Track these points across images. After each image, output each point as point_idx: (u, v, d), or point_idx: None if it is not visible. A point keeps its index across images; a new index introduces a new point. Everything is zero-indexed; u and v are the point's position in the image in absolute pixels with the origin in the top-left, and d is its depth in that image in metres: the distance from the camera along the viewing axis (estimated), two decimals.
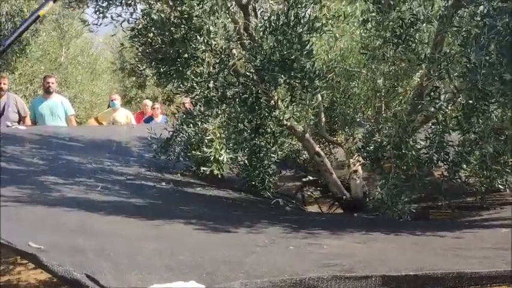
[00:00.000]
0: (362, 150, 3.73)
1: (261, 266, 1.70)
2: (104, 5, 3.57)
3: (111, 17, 3.64)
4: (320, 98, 4.19)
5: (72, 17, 9.15)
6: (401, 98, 3.99)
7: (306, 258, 1.94)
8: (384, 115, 4.02)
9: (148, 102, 8.66)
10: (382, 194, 3.40)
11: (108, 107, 8.18)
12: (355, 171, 4.30)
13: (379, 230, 2.72)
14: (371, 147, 3.61)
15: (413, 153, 3.37)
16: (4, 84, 6.05)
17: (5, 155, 4.18)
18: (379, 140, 3.51)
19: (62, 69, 10.29)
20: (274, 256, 1.93)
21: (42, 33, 9.43)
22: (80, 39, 10.78)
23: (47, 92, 6.49)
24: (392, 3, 3.15)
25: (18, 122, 6.15)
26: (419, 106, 3.47)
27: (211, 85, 3.69)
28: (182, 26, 3.52)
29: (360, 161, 4.23)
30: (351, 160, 4.35)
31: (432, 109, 3.32)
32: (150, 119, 7.99)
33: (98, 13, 3.66)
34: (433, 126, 3.33)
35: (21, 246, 1.65)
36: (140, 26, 3.65)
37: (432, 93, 3.23)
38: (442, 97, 3.21)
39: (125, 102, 9.40)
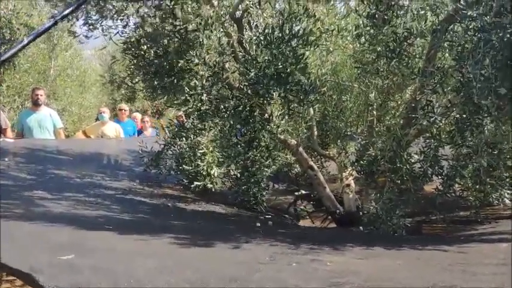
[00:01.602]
0: (356, 164, 3.71)
1: (269, 284, 1.65)
2: (95, 17, 3.53)
3: (102, 30, 3.61)
4: (312, 112, 4.19)
5: (62, 29, 9.08)
6: (394, 111, 4.00)
7: (313, 276, 1.90)
8: (376, 129, 4.02)
9: (138, 115, 8.58)
10: (376, 208, 3.37)
11: (96, 120, 8.09)
12: (348, 185, 4.28)
13: (378, 244, 2.69)
14: (365, 161, 3.59)
15: (408, 167, 3.36)
16: None
17: None
18: (373, 153, 3.50)
19: (50, 82, 10.19)
20: (280, 274, 1.89)
21: (31, 45, 9.34)
22: (69, 51, 10.69)
23: (36, 104, 6.39)
24: (386, 17, 3.16)
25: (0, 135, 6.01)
26: (413, 120, 3.47)
27: (204, 98, 3.66)
28: (176, 39, 3.49)
29: (352, 175, 4.22)
30: (344, 174, 4.33)
31: (426, 123, 3.32)
32: (139, 132, 7.91)
33: (88, 25, 3.62)
34: (427, 140, 3.33)
35: (16, 265, 1.58)
36: (133, 39, 3.61)
37: (426, 107, 3.23)
38: (436, 111, 3.22)
39: (113, 115, 9.30)
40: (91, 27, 3.65)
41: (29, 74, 9.54)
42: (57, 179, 4.32)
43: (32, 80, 9.50)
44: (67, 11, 2.33)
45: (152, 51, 3.74)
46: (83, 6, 3.34)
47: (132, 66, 3.93)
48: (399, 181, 3.44)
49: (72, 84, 10.84)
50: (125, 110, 7.69)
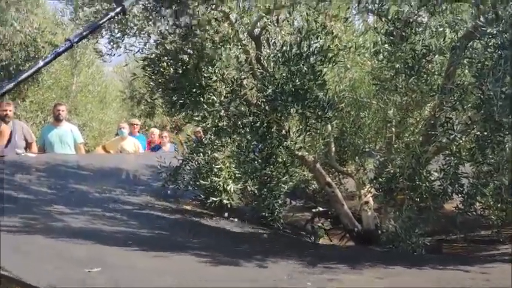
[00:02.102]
0: (374, 181, 3.67)
1: None
2: (118, 35, 3.61)
3: (125, 47, 3.68)
4: (330, 128, 4.18)
5: (85, 46, 9.29)
6: (413, 128, 3.96)
7: None
8: (395, 146, 3.98)
9: (155, 131, 8.67)
10: (395, 227, 3.33)
11: (116, 135, 8.20)
12: (366, 203, 4.24)
13: (397, 264, 2.64)
14: (383, 179, 3.55)
15: (427, 184, 3.31)
16: (10, 111, 6.06)
17: (13, 183, 4.16)
18: (391, 171, 3.46)
19: (72, 98, 10.39)
20: None
21: (54, 62, 9.57)
22: (92, 68, 10.91)
23: (57, 119, 6.52)
24: (404, 34, 3.15)
25: (25, 149, 6.15)
26: (432, 137, 3.43)
27: (222, 114, 3.69)
28: (195, 56, 3.54)
29: (371, 192, 4.18)
30: (362, 191, 4.29)
31: (445, 140, 3.28)
32: (157, 148, 7.98)
33: (111, 43, 3.70)
34: (446, 158, 3.28)
35: (30, 281, 1.60)
36: (153, 56, 3.68)
37: (445, 125, 3.20)
38: (456, 128, 3.17)
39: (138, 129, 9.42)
40: (114, 45, 3.73)
41: (52, 90, 9.74)
42: (77, 193, 4.37)
43: (55, 96, 9.70)
44: (83, 34, 2.39)
45: (171, 68, 3.79)
46: (104, 26, 3.41)
47: (152, 83, 3.98)
48: (418, 199, 3.39)
49: (93, 100, 11.02)
50: (136, 125, 7.79)
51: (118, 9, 2.61)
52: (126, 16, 3.01)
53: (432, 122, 3.49)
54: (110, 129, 11.09)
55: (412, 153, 3.40)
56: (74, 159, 5.94)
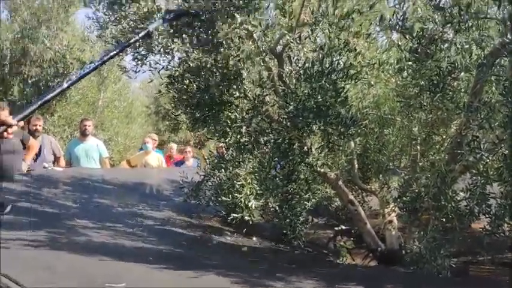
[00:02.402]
0: (398, 200, 3.59)
1: None
2: (143, 53, 3.67)
3: (149, 64, 3.74)
4: (353, 145, 4.13)
5: (112, 63, 9.52)
6: (438, 146, 3.88)
7: None
8: (420, 164, 3.90)
9: (174, 146, 8.75)
10: (420, 247, 3.24)
11: (140, 150, 8.31)
12: (390, 222, 4.16)
13: (422, 286, 2.56)
14: (408, 198, 3.48)
15: (453, 204, 3.22)
16: (39, 125, 6.22)
17: (39, 197, 4.25)
18: (416, 190, 3.39)
19: (99, 113, 10.61)
20: None
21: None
22: (118, 84, 11.15)
23: (83, 134, 6.66)
24: (428, 52, 3.11)
25: (53, 163, 6.29)
26: (459, 156, 3.35)
27: (243, 130, 3.69)
28: (217, 73, 3.57)
29: (395, 211, 4.09)
30: (386, 209, 4.21)
31: (472, 159, 3.20)
32: (181, 163, 8.05)
33: (136, 60, 3.77)
34: (473, 177, 3.20)
35: None
36: (177, 74, 3.72)
37: (472, 143, 3.12)
38: (483, 147, 3.09)
39: (157, 145, 9.54)
40: (139, 62, 3.80)
41: (79, 105, 9.99)
42: (101, 208, 4.43)
43: (82, 111, 9.94)
44: (105, 58, 2.44)
45: (194, 85, 3.83)
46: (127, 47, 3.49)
47: (176, 99, 4.03)
48: (444, 219, 3.30)
49: (119, 115, 11.23)
50: (154, 140, 7.89)
51: (143, 33, 2.65)
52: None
53: (458, 140, 3.41)
54: (134, 143, 11.26)
55: (437, 172, 3.32)
56: (99, 173, 6.04)
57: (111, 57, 2.43)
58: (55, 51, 9.63)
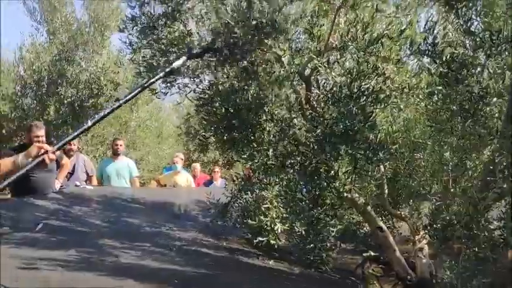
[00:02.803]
0: (429, 228, 3.50)
1: None
2: (173, 76, 3.75)
3: (178, 87, 3.82)
4: (383, 169, 4.06)
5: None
6: (470, 173, 3.77)
7: None
8: (452, 190, 3.80)
9: (197, 166, 8.82)
10: (451, 277, 3.13)
11: (163, 169, 8.42)
12: (421, 249, 4.04)
13: None
14: (439, 225, 3.38)
15: (486, 234, 3.11)
16: (74, 145, 6.41)
17: (71, 215, 4.34)
18: (447, 217, 3.29)
19: (131, 132, 10.86)
20: None
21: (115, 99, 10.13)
22: (150, 104, 11.40)
23: (115, 153, 6.82)
24: (459, 76, 3.05)
25: (86, 181, 6.45)
26: (492, 183, 3.24)
27: (270, 153, 3.69)
28: (246, 96, 3.61)
29: (425, 238, 3.98)
30: (416, 236, 4.10)
31: (506, 186, 3.09)
32: (210, 182, 8.11)
33: (166, 83, 3.85)
34: (507, 206, 3.08)
35: None
36: (206, 96, 3.78)
37: (505, 170, 3.02)
38: None
39: (186, 164, 9.66)
40: (169, 84, 3.88)
41: (112, 125, 10.26)
42: (129, 227, 4.48)
43: (114, 131, 10.20)
44: (131, 95, 2.51)
45: (223, 108, 3.87)
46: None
47: (205, 122, 4.08)
48: (477, 249, 3.19)
49: (150, 135, 11.47)
50: (181, 159, 7.97)
51: (167, 70, 2.72)
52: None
53: (491, 167, 3.31)
54: (164, 163, 11.44)
55: (469, 200, 3.22)
56: (129, 192, 6.14)
57: (137, 93, 2.51)
58: (90, 72, 9.97)
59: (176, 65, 2.82)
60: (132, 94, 2.52)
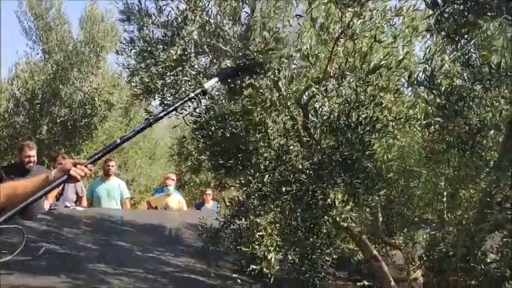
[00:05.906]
0: (425, 259, 3.46)
1: None
2: (170, 99, 3.73)
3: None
4: (377, 198, 4.04)
5: (140, 105, 9.77)
6: (466, 204, 3.75)
7: None
8: (447, 219, 3.78)
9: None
10: None
11: (154, 190, 8.32)
12: (415, 279, 3.99)
13: None
14: (434, 257, 3.35)
15: (483, 267, 3.09)
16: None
17: (61, 237, 4.25)
18: (443, 249, 3.26)
19: (123, 153, 10.77)
20: None
21: (109, 120, 10.08)
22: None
23: (106, 174, 6.74)
24: (457, 108, 3.07)
25: (76, 202, 6.33)
26: (488, 215, 3.23)
27: (266, 180, 3.66)
28: (242, 121, 3.59)
29: (420, 268, 3.93)
30: (411, 266, 4.05)
31: (502, 218, 3.08)
32: (201, 204, 8.03)
33: (163, 105, 3.83)
34: (504, 239, 3.07)
35: None
36: (203, 119, 3.76)
37: (502, 202, 3.02)
38: None
39: (178, 186, 9.57)
40: (165, 107, 3.86)
41: (105, 145, 10.17)
42: (120, 251, 4.39)
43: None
44: (164, 113, 2.50)
45: (219, 132, 3.84)
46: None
47: (200, 145, 4.05)
48: (473, 281, 3.16)
49: (142, 156, 11.38)
50: (172, 180, 7.89)
51: (198, 90, 2.71)
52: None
53: (488, 199, 3.30)
54: (155, 184, 11.33)
55: (466, 231, 3.20)
56: (119, 214, 6.04)
57: (166, 114, 2.51)
58: (84, 92, 9.93)
59: (208, 86, 2.80)
60: (164, 113, 2.51)
